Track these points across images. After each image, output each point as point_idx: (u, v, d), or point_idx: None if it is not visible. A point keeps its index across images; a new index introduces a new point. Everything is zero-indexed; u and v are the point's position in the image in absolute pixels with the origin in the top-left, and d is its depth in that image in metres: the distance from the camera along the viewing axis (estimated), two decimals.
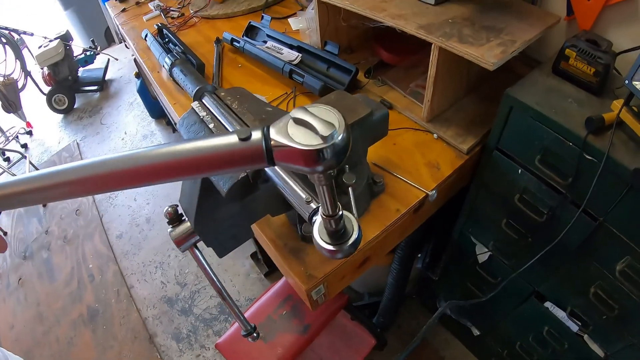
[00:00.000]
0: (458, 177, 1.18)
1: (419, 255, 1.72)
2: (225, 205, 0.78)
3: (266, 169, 0.66)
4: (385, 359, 1.97)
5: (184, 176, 0.42)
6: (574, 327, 1.25)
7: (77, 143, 3.71)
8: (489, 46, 0.99)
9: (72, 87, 4.08)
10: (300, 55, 1.42)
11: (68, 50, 3.87)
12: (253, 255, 2.50)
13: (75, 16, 4.66)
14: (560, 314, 1.27)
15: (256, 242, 2.21)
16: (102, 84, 4.23)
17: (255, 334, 0.91)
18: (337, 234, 0.50)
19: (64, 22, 4.65)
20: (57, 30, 3.88)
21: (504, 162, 1.14)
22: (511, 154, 1.12)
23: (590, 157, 0.93)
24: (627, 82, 0.89)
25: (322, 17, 1.34)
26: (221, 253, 0.87)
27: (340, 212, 0.48)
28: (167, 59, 1.14)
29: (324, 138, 0.36)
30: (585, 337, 1.24)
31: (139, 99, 3.59)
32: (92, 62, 4.23)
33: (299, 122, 0.37)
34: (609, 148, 0.89)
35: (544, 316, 1.34)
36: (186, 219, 0.84)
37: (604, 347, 1.21)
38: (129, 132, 3.66)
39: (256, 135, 0.38)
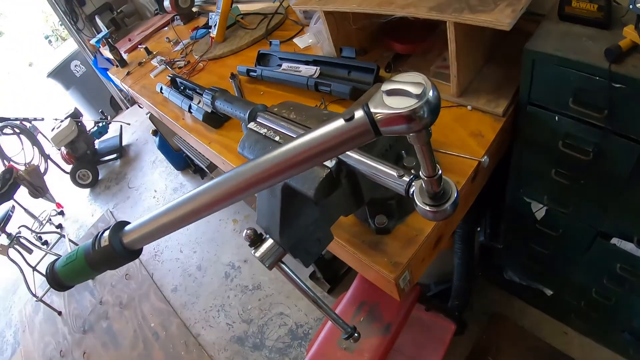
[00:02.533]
0: (501, 139, 1.21)
1: (478, 229, 1.73)
2: (307, 210, 0.82)
3: (347, 160, 0.69)
4: (466, 341, 1.97)
5: (307, 165, 0.48)
6: None
7: (110, 211, 3.80)
8: (499, 9, 1.03)
9: (93, 160, 4.21)
10: (318, 67, 1.47)
11: (80, 126, 4.01)
12: (312, 276, 2.53)
13: (78, 93, 4.85)
14: (629, 246, 1.28)
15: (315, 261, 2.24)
16: (121, 151, 4.37)
17: (356, 334, 0.93)
18: (437, 195, 0.54)
19: (69, 101, 4.82)
20: (65, 110, 4.02)
21: (539, 113, 1.17)
22: (544, 105, 1.15)
23: (618, 85, 0.96)
24: (631, 6, 0.92)
25: (331, 26, 1.39)
26: (308, 261, 0.90)
27: (440, 172, 0.52)
28: (205, 96, 1.19)
29: (418, 97, 0.40)
30: None
31: (161, 156, 3.69)
32: (106, 132, 4.38)
33: (391, 92, 0.42)
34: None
35: (613, 254, 1.35)
36: (267, 236, 0.88)
37: None
38: (158, 189, 3.75)
39: (358, 113, 0.43)
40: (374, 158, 0.64)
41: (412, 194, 0.57)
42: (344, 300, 1.64)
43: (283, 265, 0.88)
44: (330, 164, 0.71)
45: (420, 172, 0.53)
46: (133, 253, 0.63)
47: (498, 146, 1.21)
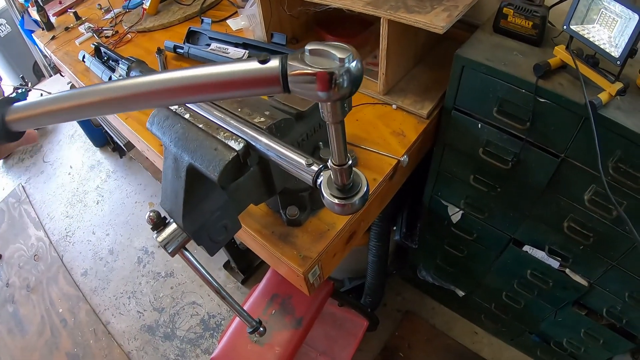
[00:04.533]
0: (423, 140, 1.22)
1: (394, 228, 1.75)
2: (214, 195, 0.77)
3: (256, 145, 0.65)
4: (378, 338, 2.00)
5: (202, 96, 0.45)
6: (555, 264, 1.32)
7: (22, 186, 3.53)
8: (435, 12, 1.03)
9: None
10: (247, 51, 1.42)
11: None
12: (226, 265, 2.48)
13: (0, 54, 4.46)
14: (540, 254, 1.35)
15: (228, 250, 2.19)
16: None
17: (262, 329, 0.90)
18: (346, 187, 0.52)
19: None
20: None
21: (463, 119, 1.19)
22: (469, 111, 1.18)
23: (543, 100, 1.00)
24: (565, 27, 0.97)
25: (265, 10, 1.35)
26: (212, 250, 0.85)
27: (350, 162, 0.49)
28: (121, 65, 1.10)
29: (340, 61, 0.37)
30: (567, 270, 1.32)
31: (80, 130, 3.47)
32: (25, 100, 4.05)
33: (314, 52, 0.38)
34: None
35: (524, 260, 1.41)
36: (171, 220, 0.82)
37: (587, 275, 1.29)
38: (74, 165, 3.52)
39: (274, 62, 0.39)
40: (284, 144, 0.61)
41: (320, 185, 0.54)
42: (256, 292, 1.61)
43: (186, 253, 0.83)
44: (237, 146, 0.67)
45: (329, 161, 0.50)
46: (11, 134, 0.58)
47: (419, 147, 1.21)
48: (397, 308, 2.10)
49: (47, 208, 3.23)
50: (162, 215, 0.82)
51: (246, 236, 1.02)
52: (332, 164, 0.49)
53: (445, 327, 2.06)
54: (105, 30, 2.05)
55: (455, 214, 1.49)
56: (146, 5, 1.97)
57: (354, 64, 0.38)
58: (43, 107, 0.54)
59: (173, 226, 0.81)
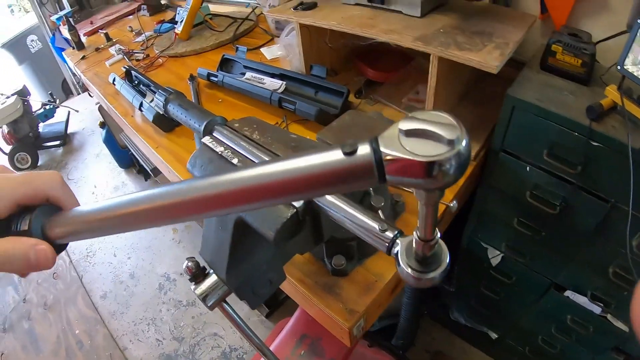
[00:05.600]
0: (469, 183, 1.16)
1: None
2: (261, 249, 0.72)
3: (320, 203, 0.60)
4: None
5: (278, 200, 0.37)
6: (597, 310, 1.26)
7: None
8: (487, 50, 0.99)
9: (34, 143, 3.92)
10: (284, 82, 1.38)
11: (26, 106, 3.73)
12: None
13: (30, 70, 4.53)
14: (582, 299, 1.28)
15: None
16: (65, 138, 4.09)
17: None
18: (427, 259, 0.46)
19: (19, 76, 4.50)
20: (13, 86, 3.74)
21: (511, 162, 1.14)
22: (517, 153, 1.13)
23: (596, 143, 0.95)
24: (619, 67, 0.93)
25: (305, 41, 1.31)
26: (255, 303, 0.80)
27: (439, 235, 0.43)
28: (157, 96, 1.06)
29: (450, 143, 0.29)
30: (609, 316, 1.25)
31: (106, 150, 3.46)
32: (53, 117, 4.09)
33: (412, 133, 0.31)
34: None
35: (565, 305, 1.34)
36: (211, 271, 0.77)
37: (628, 322, 1.21)
38: (98, 185, 3.52)
39: (363, 148, 0.32)
40: (352, 204, 0.55)
41: (397, 255, 0.48)
42: (285, 331, 1.55)
43: (226, 306, 0.78)
44: (297, 202, 0.61)
45: (414, 232, 0.44)
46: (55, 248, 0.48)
47: (465, 190, 1.16)
48: (427, 349, 2.02)
49: None
50: (202, 265, 0.77)
51: (286, 284, 0.96)
52: (417, 237, 0.43)
53: None
54: (136, 53, 2.05)
55: (495, 257, 1.42)
56: (178, 30, 1.96)
57: (463, 145, 0.30)
58: (84, 219, 0.48)
59: (213, 278, 0.75)
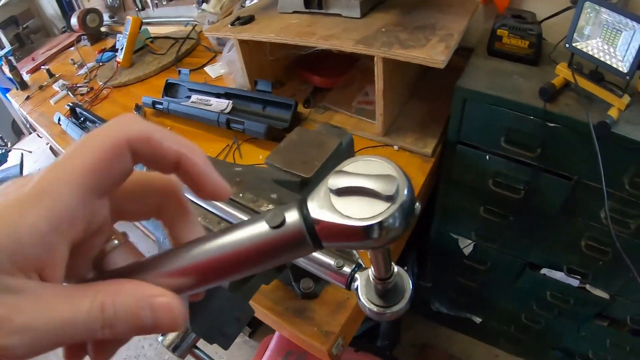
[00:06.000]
0: (430, 180, 1.15)
1: (405, 268, 1.67)
2: (221, 290, 0.68)
3: None
4: None
5: (201, 286, 0.30)
6: (575, 283, 1.28)
7: None
8: (431, 45, 0.96)
9: None
10: (231, 102, 1.34)
11: None
12: None
13: None
14: (558, 275, 1.30)
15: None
16: None
17: None
18: (388, 292, 0.42)
19: None
20: None
21: (469, 152, 1.13)
22: (475, 144, 1.12)
23: (553, 124, 0.95)
24: (567, 45, 0.92)
25: (246, 56, 1.27)
26: (226, 344, 0.76)
27: (396, 270, 0.39)
28: None
29: (389, 199, 0.25)
30: (588, 287, 1.27)
31: None
32: (6, 161, 3.91)
33: (343, 192, 0.26)
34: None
35: (543, 283, 1.35)
36: None
37: (607, 289, 1.24)
38: None
39: (291, 216, 0.27)
40: None
41: (356, 290, 0.44)
42: (270, 350, 1.51)
43: (197, 352, 0.74)
44: None
45: (369, 271, 0.40)
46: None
47: (427, 188, 1.14)
48: (412, 343, 2.01)
49: None
50: None
51: (258, 312, 0.93)
52: (374, 278, 0.40)
53: (465, 354, 1.97)
54: (79, 87, 1.96)
55: (467, 246, 1.42)
56: (119, 58, 1.89)
57: (405, 194, 0.25)
58: None
59: None
